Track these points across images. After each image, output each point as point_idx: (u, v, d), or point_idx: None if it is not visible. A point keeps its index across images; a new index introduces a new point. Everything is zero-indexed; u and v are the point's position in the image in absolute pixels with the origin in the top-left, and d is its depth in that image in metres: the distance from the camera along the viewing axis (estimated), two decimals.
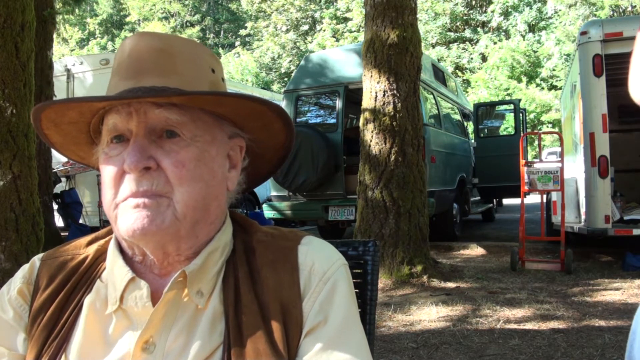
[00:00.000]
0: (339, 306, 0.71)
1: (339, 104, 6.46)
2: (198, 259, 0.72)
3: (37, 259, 0.79)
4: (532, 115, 21.54)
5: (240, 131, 0.78)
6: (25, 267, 0.79)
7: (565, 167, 5.19)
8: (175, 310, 0.70)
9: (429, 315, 3.52)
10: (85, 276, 0.76)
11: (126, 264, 0.72)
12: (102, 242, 0.80)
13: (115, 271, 0.73)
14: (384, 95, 4.69)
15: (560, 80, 21.70)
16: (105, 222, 7.96)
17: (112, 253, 0.75)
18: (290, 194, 6.51)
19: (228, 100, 0.72)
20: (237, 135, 0.78)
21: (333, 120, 6.63)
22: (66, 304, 0.73)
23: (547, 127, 21.59)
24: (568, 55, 21.48)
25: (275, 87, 28.15)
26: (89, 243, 0.81)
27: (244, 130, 0.78)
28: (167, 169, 0.68)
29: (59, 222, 7.87)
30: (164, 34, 0.77)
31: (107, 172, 0.70)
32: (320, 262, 0.74)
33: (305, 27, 31.06)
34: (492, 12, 26.50)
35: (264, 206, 7.02)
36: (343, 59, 6.80)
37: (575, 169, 5.97)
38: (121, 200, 0.68)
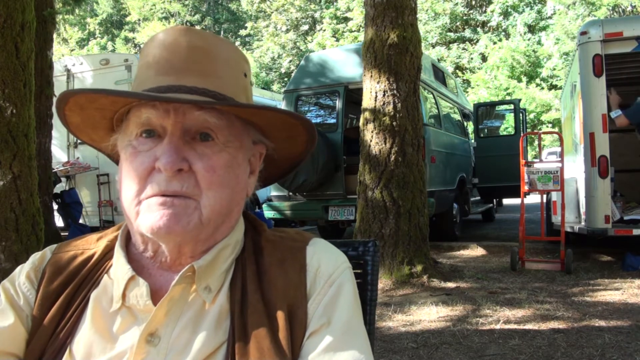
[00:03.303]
0: (342, 309, 0.71)
1: (339, 104, 6.46)
2: (209, 254, 0.72)
3: (49, 250, 0.80)
4: (532, 115, 21.54)
5: (264, 138, 0.79)
6: (37, 255, 0.79)
7: (565, 167, 5.19)
8: (182, 304, 0.70)
9: (429, 315, 3.52)
10: (93, 271, 0.76)
11: (128, 262, 0.73)
12: (111, 237, 0.80)
13: (118, 269, 0.73)
14: (384, 95, 4.69)
15: (560, 79, 21.71)
16: (105, 222, 7.97)
17: (117, 250, 0.75)
18: (290, 194, 6.51)
19: (265, 113, 0.73)
20: (260, 142, 0.79)
21: (333, 120, 6.63)
22: (73, 298, 0.74)
23: (547, 127, 21.59)
24: (566, 54, 21.49)
25: (275, 87, 28.15)
26: (99, 238, 0.81)
27: (269, 138, 0.79)
28: (199, 173, 0.68)
29: (59, 222, 7.86)
30: (203, 31, 0.76)
31: (134, 166, 0.69)
32: (326, 265, 0.74)
33: (305, 27, 31.05)
34: (492, 12, 26.49)
35: (264, 206, 7.02)
36: (343, 59, 6.80)
37: (575, 169, 5.96)
38: (146, 197, 0.68)
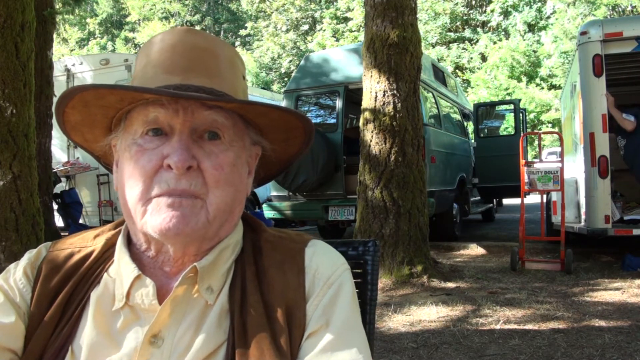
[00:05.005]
0: (340, 310, 0.71)
1: (339, 104, 6.46)
2: (210, 255, 0.72)
3: (44, 248, 0.79)
4: (532, 115, 21.55)
5: (262, 139, 0.79)
6: (32, 252, 0.78)
7: (565, 167, 5.19)
8: (185, 305, 0.70)
9: (429, 315, 3.52)
10: (92, 270, 0.75)
11: (133, 261, 0.72)
12: (109, 235, 0.80)
13: (122, 267, 0.72)
14: (384, 95, 4.69)
15: (559, 78, 21.71)
16: (105, 222, 7.97)
17: (120, 248, 0.75)
18: (290, 194, 6.51)
19: (273, 112, 0.73)
20: (257, 143, 0.79)
21: (333, 120, 6.63)
22: (72, 297, 0.73)
23: (547, 127, 21.59)
24: (565, 53, 21.49)
25: (275, 87, 28.15)
26: (96, 236, 0.80)
27: (267, 139, 0.79)
28: (206, 171, 0.69)
29: (59, 222, 7.86)
30: (204, 32, 0.77)
31: (141, 164, 0.68)
32: (324, 267, 0.74)
33: (305, 27, 31.04)
34: (492, 11, 26.49)
35: (264, 206, 7.02)
36: (343, 59, 6.80)
37: (575, 169, 5.96)
38: (155, 196, 0.68)
